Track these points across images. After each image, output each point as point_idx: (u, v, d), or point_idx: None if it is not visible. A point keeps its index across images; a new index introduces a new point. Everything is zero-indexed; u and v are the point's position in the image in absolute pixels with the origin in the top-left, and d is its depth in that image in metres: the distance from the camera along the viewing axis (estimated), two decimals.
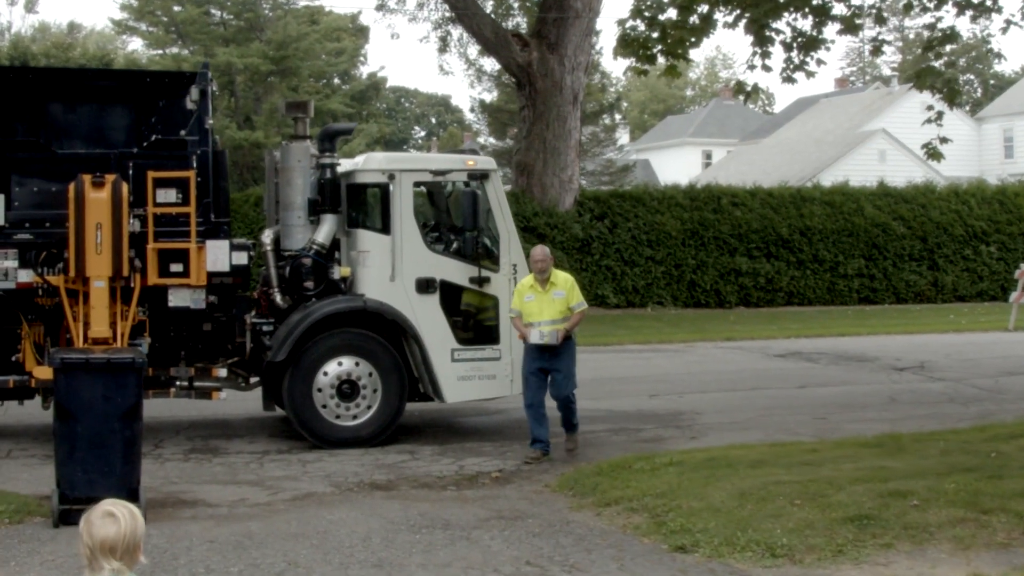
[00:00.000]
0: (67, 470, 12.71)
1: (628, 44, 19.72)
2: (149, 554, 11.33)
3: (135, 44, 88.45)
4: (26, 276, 16.40)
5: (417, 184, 17.66)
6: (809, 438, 16.91)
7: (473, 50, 55.85)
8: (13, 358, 16.54)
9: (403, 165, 17.67)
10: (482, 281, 17.30)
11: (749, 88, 19.76)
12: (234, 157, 58.50)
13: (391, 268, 17.15)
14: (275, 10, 78.06)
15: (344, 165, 18.09)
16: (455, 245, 17.65)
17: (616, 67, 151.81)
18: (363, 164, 17.91)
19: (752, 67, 19.29)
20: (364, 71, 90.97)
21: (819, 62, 20.07)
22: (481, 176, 17.53)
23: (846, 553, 10.87)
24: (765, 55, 19.32)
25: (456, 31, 50.85)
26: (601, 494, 13.64)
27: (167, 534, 12.13)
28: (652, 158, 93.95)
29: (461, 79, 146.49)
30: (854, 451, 15.17)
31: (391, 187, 17.25)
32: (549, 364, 16.14)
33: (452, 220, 18.30)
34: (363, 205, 18.02)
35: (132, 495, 12.64)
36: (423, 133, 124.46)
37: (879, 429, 17.29)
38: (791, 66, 20.24)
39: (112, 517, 5.68)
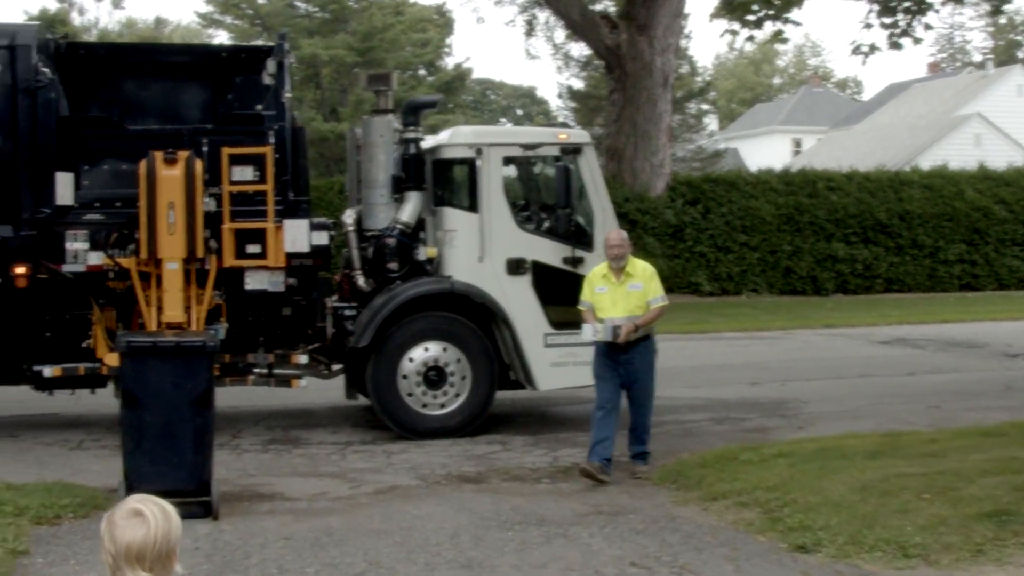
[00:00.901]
0: (134, 461, 11.91)
1: (733, 7, 18.69)
2: (220, 552, 10.64)
3: (221, 37, 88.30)
4: (96, 258, 15.70)
5: (506, 159, 16.71)
6: (925, 427, 15.77)
7: (560, 34, 55.04)
8: (84, 344, 15.83)
9: (491, 139, 16.72)
10: (576, 261, 16.24)
11: (866, 48, 18.79)
12: (320, 149, 58.10)
13: (480, 248, 16.22)
14: (360, 1, 77.56)
15: (429, 141, 17.16)
16: (547, 224, 16.65)
17: (704, 55, 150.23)
18: (449, 139, 17.01)
19: (868, 26, 18.38)
20: (449, 62, 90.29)
21: (927, 27, 19.21)
22: (574, 150, 16.55)
23: (986, 553, 9.83)
24: (885, 11, 18.34)
25: (542, 14, 50.03)
26: (707, 487, 12.72)
27: (240, 530, 11.33)
28: (741, 147, 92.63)
29: (547, 67, 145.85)
30: (977, 441, 14.08)
31: (479, 162, 16.33)
32: (624, 370, 13.76)
33: (543, 198, 17.34)
34: (449, 182, 17.14)
35: (204, 488, 11.89)
36: (509, 125, 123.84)
37: (998, 418, 16.16)
38: (898, 30, 19.32)
39: (140, 517, 4.58)
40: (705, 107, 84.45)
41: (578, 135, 17.23)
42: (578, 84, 71.94)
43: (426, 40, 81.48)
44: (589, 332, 13.78)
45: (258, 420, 17.57)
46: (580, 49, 55.63)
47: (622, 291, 13.71)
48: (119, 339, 12.55)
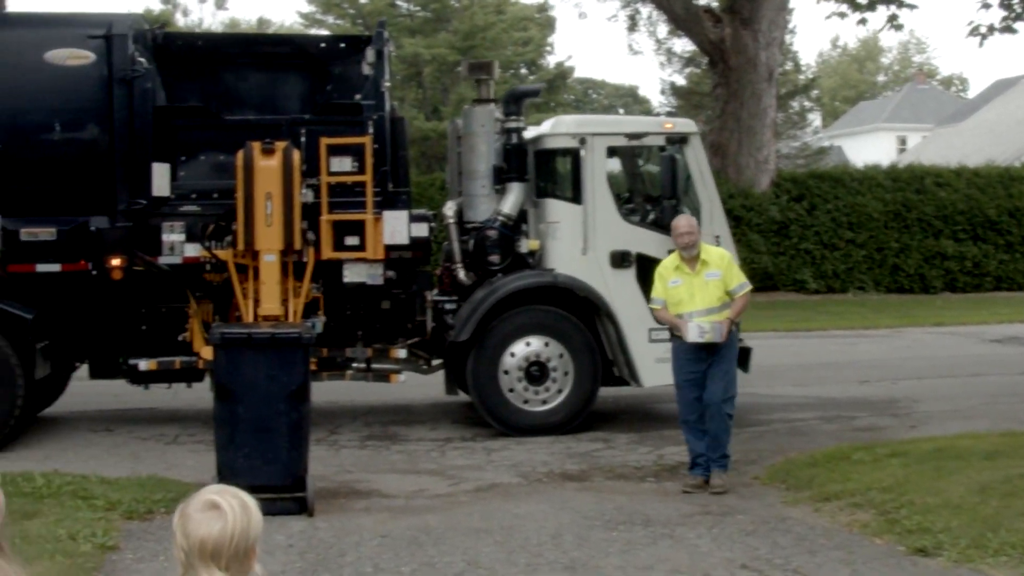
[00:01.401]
0: (228, 456, 11.62)
1: None
2: (314, 549, 10.29)
3: None
4: (193, 250, 15.51)
5: (611, 149, 16.22)
6: None
7: (662, 29, 54.39)
8: (180, 337, 15.60)
9: (595, 128, 16.26)
10: None
11: (984, 30, 18.19)
12: (422, 148, 57.97)
13: (583, 240, 15.79)
14: (462, 0, 77.45)
15: (531, 131, 16.74)
16: (652, 215, 16.17)
17: (808, 52, 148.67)
18: (552, 128, 16.59)
19: (987, 5, 17.76)
20: (551, 61, 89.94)
21: None
22: (680, 140, 16.06)
23: None
24: None
25: (645, 9, 49.47)
26: (819, 487, 12.22)
27: (336, 528, 11.00)
28: (845, 144, 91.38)
29: (649, 64, 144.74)
30: None
31: (582, 152, 15.90)
32: (706, 366, 12.72)
33: (648, 189, 16.89)
34: (552, 173, 16.73)
35: (299, 484, 11.59)
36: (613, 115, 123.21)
37: None
38: (1013, 15, 18.73)
39: (216, 511, 4.13)
40: (808, 104, 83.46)
41: (684, 124, 16.75)
42: (681, 81, 71.25)
43: (528, 39, 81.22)
44: (695, 332, 12.50)
45: (356, 416, 17.25)
46: (683, 45, 54.97)
47: (699, 281, 12.67)
48: (213, 331, 12.28)
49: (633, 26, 51.63)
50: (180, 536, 4.12)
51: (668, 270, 12.93)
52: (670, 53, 63.21)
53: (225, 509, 4.10)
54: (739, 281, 12.84)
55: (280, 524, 11.04)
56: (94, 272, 15.28)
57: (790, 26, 62.73)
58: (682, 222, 12.97)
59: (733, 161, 37.77)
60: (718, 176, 36.12)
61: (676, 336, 12.92)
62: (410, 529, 10.90)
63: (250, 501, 4.21)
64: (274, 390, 11.61)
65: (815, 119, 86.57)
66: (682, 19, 39.83)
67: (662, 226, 15.67)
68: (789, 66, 68.55)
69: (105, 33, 15.32)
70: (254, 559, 4.21)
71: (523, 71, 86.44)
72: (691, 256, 12.68)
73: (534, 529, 10.81)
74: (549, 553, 10.07)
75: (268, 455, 11.59)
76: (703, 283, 12.62)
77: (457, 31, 73.24)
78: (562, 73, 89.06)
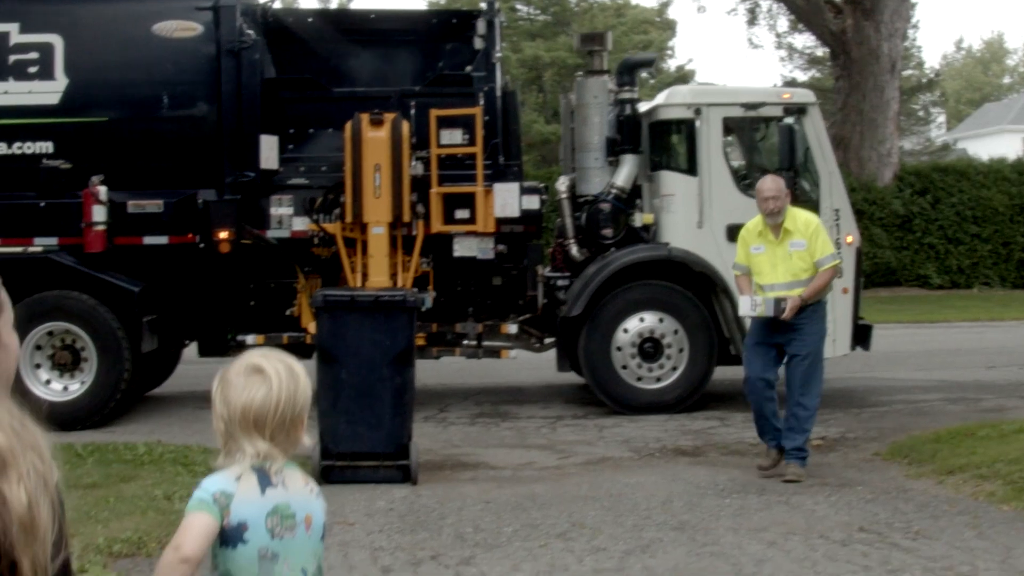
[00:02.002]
0: (330, 421, 11.33)
1: None
2: (414, 513, 9.96)
3: None
4: (301, 224, 15.34)
5: (727, 120, 15.76)
6: None
7: (783, 22, 53.70)
8: (287, 313, 15.41)
9: (711, 99, 15.79)
10: None
11: None
12: (541, 151, 57.72)
13: (699, 213, 15.35)
14: (581, 3, 77.19)
15: (645, 104, 16.36)
16: None
17: (931, 55, 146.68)
18: (666, 99, 16.19)
19: None
20: (671, 64, 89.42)
21: None
22: (798, 110, 15.55)
23: None
24: None
25: (765, 2, 48.87)
26: (941, 461, 11.70)
27: (439, 495, 10.71)
28: (969, 146, 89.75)
29: (769, 63, 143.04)
30: None
31: (698, 123, 15.45)
32: (785, 340, 11.58)
33: (765, 160, 16.41)
34: (667, 144, 16.32)
35: (402, 451, 11.29)
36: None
37: None
38: None
39: (260, 375, 3.78)
40: (930, 98, 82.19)
41: (802, 94, 16.26)
42: (802, 77, 70.38)
43: (648, 42, 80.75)
44: (747, 305, 11.61)
45: (467, 396, 16.94)
46: (804, 41, 54.21)
47: (782, 251, 11.51)
48: (316, 294, 12.00)
49: (753, 19, 51.15)
50: (220, 404, 3.80)
51: (751, 234, 11.83)
52: (791, 49, 62.47)
53: (270, 373, 3.76)
54: (825, 253, 11.52)
55: (383, 491, 10.81)
56: (201, 245, 15.14)
57: (913, 21, 61.72)
58: (767, 184, 11.74)
59: (855, 154, 37.01)
60: (840, 169, 35.68)
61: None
62: (515, 496, 10.58)
63: (297, 366, 3.86)
64: (377, 355, 11.32)
65: (939, 115, 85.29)
66: (803, 10, 39.20)
67: None
68: (913, 66, 67.53)
69: (213, 5, 15.18)
70: (302, 430, 3.88)
71: (643, 75, 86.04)
72: (775, 223, 11.52)
73: (643, 496, 10.45)
74: (658, 516, 9.72)
75: (371, 421, 11.30)
76: (786, 253, 11.50)
77: (577, 34, 72.95)
78: (683, 76, 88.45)
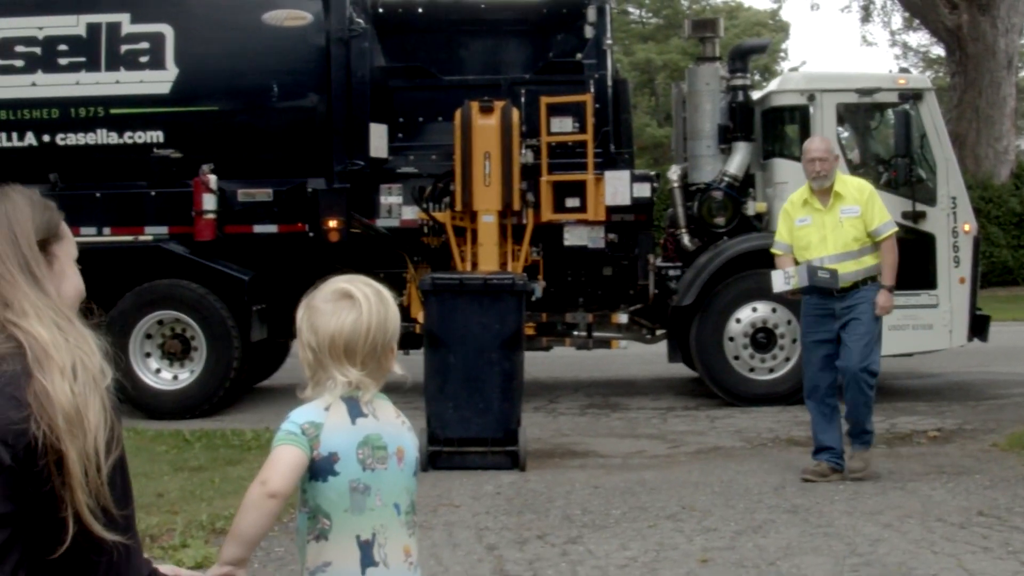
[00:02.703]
0: (437, 406, 11.20)
1: None
2: (522, 496, 9.80)
3: None
4: (411, 213, 15.25)
5: (841, 106, 15.44)
6: None
7: (896, 19, 53.04)
8: (397, 302, 15.26)
9: (825, 85, 15.42)
10: (916, 216, 14.87)
11: None
12: (654, 155, 57.48)
13: None
14: (693, 5, 76.84)
15: (757, 92, 16.14)
16: (884, 176, 15.35)
17: None
18: (779, 85, 16.00)
19: None
20: (785, 67, 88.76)
21: None
22: (914, 96, 15.17)
23: None
24: None
25: None
26: None
27: (547, 480, 10.56)
28: None
29: (884, 60, 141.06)
30: None
31: (811, 109, 15.16)
32: (839, 326, 10.46)
33: (876, 148, 16.11)
34: (780, 132, 16.05)
35: (511, 437, 11.13)
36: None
37: None
38: None
39: (349, 300, 3.63)
40: None
41: (918, 80, 15.97)
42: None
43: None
44: (779, 280, 10.63)
45: (577, 388, 16.78)
46: (918, 38, 53.45)
47: (832, 219, 10.47)
48: (424, 278, 11.87)
49: (867, 16, 50.47)
50: (307, 332, 3.64)
51: (795, 206, 10.82)
52: (906, 47, 61.63)
53: (359, 298, 3.61)
54: (883, 219, 10.49)
55: (490, 476, 10.68)
56: (311, 234, 15.12)
57: None
58: (814, 143, 10.83)
59: (971, 152, 36.32)
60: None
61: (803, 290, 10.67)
62: (624, 482, 10.41)
63: (386, 292, 3.72)
64: (486, 339, 11.17)
65: None
66: (917, 6, 38.61)
67: (895, 186, 14.93)
68: None
69: None
70: (393, 358, 3.71)
71: (756, 77, 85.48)
72: (823, 188, 10.52)
73: (755, 482, 10.24)
74: (770, 500, 9.51)
75: (479, 406, 11.15)
76: (836, 222, 10.46)
77: (689, 37, 72.58)
78: None
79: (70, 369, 2.66)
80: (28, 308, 2.75)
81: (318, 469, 3.58)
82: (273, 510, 3.54)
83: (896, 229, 10.66)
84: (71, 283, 3.03)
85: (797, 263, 10.61)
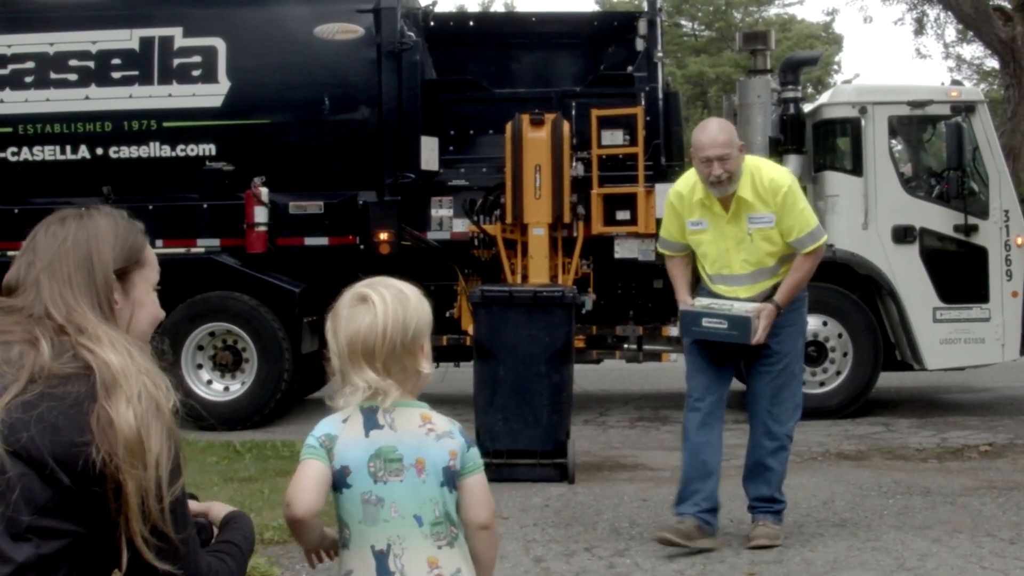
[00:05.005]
0: (487, 419, 11.22)
1: None
2: (570, 509, 9.80)
3: None
4: (461, 225, 15.35)
5: (893, 119, 15.37)
6: None
7: (950, 31, 52.69)
8: (447, 314, 15.36)
9: (877, 97, 15.36)
10: (969, 229, 14.80)
11: None
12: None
13: (864, 214, 14.95)
14: (746, 18, 76.69)
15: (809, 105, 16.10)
16: (936, 189, 15.28)
17: None
18: (831, 98, 15.93)
19: None
20: (838, 80, 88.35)
21: None
22: (967, 108, 15.09)
23: None
24: None
25: (932, 11, 47.97)
26: None
27: (595, 492, 10.56)
28: None
29: (937, 72, 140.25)
30: None
31: (863, 122, 15.08)
32: (745, 349, 8.33)
33: (928, 160, 16.05)
34: (831, 144, 15.98)
35: (560, 450, 11.13)
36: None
37: None
38: None
39: (365, 303, 3.66)
40: None
41: (971, 92, 15.86)
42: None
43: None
44: (687, 320, 8.34)
45: (627, 401, 16.77)
46: (972, 51, 53.09)
47: (736, 231, 8.21)
48: (474, 290, 11.90)
49: (920, 29, 50.13)
50: (331, 338, 3.68)
51: (687, 203, 8.40)
52: (959, 59, 61.28)
53: (374, 299, 3.63)
54: (804, 230, 8.17)
55: (539, 488, 10.68)
56: (362, 247, 15.21)
57: None
58: (709, 133, 8.10)
59: None
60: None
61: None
62: (672, 495, 10.26)
63: (409, 290, 3.72)
64: (535, 351, 11.16)
65: None
66: (971, 18, 38.31)
67: (947, 199, 14.86)
68: None
69: (374, 7, 15.23)
70: (421, 358, 3.70)
71: (809, 90, 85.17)
72: (723, 195, 8.14)
73: (804, 496, 10.19)
74: (818, 514, 9.48)
75: (528, 418, 11.15)
76: (743, 234, 8.21)
77: (742, 50, 72.39)
78: None
79: (136, 398, 2.69)
80: (102, 335, 2.78)
81: (336, 481, 3.61)
82: (301, 529, 3.64)
83: (825, 237, 8.49)
84: (147, 312, 3.06)
85: (700, 276, 8.73)
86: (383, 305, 3.60)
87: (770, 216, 8.08)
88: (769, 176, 8.16)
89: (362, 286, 3.70)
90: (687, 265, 8.75)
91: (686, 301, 8.41)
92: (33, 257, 2.91)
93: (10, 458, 2.58)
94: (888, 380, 16.00)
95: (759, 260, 8.26)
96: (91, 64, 15.34)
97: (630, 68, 15.55)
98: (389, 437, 3.62)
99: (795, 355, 8.51)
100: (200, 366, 14.97)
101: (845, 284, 15.00)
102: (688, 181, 8.43)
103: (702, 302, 8.35)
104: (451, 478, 3.65)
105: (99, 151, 15.30)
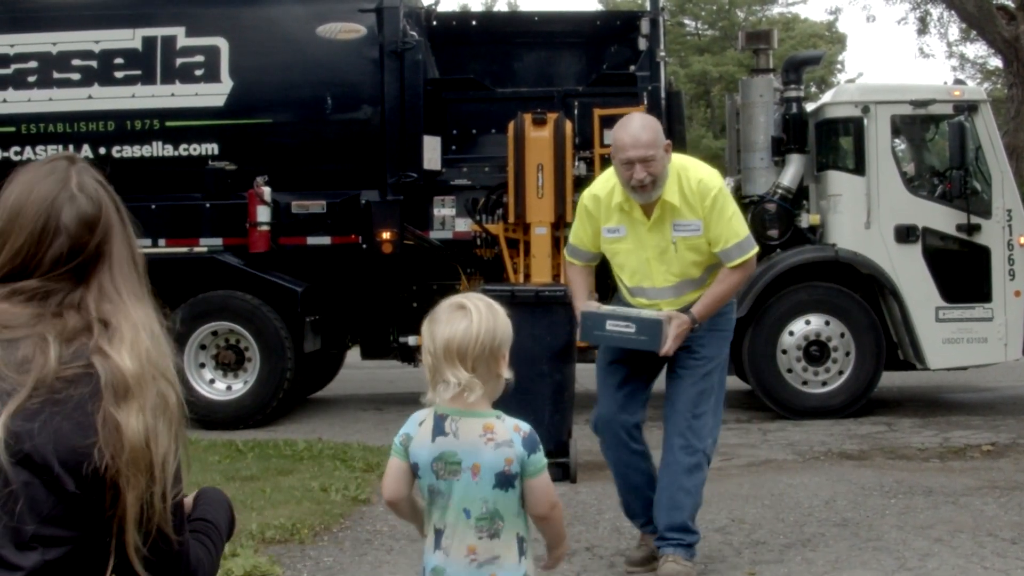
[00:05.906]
0: None
1: None
2: (572, 508, 9.80)
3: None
4: (464, 225, 15.37)
5: (895, 118, 15.39)
6: None
7: (953, 31, 52.67)
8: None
9: (879, 96, 15.37)
10: (971, 229, 14.81)
11: None
12: (712, 166, 57.27)
13: (866, 214, 14.97)
14: (749, 17, 76.66)
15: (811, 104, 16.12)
16: (939, 188, 15.29)
17: None
18: (833, 97, 15.96)
19: None
20: (841, 79, 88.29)
21: None
22: (970, 108, 15.09)
23: None
24: None
25: (936, 10, 47.95)
26: None
27: (597, 492, 10.55)
28: None
29: (940, 72, 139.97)
30: None
31: (865, 121, 15.09)
32: (662, 359, 7.74)
33: (931, 160, 16.05)
34: (834, 144, 15.98)
35: (562, 449, 11.13)
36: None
37: None
38: None
39: (462, 311, 4.19)
40: None
41: (974, 92, 15.87)
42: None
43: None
44: (590, 325, 7.52)
45: None
46: (975, 50, 53.07)
47: (659, 240, 7.43)
48: (475, 290, 11.90)
49: (923, 28, 50.06)
50: (427, 339, 4.19)
51: (604, 208, 7.59)
52: (963, 58, 61.25)
53: (470, 308, 4.20)
54: (732, 238, 7.38)
55: None
56: (364, 246, 15.21)
57: None
58: (631, 131, 7.33)
59: None
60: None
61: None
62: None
63: (497, 306, 4.26)
64: (537, 350, 11.15)
65: None
66: (974, 17, 38.23)
67: (950, 199, 14.87)
68: None
69: (376, 6, 15.24)
70: (503, 364, 4.24)
71: (812, 89, 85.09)
72: (647, 200, 7.34)
73: (806, 496, 10.19)
74: (820, 513, 9.46)
75: (530, 418, 10.99)
76: (666, 243, 7.43)
77: (745, 49, 72.29)
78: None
79: (149, 408, 2.67)
80: (126, 333, 2.74)
81: (413, 472, 4.29)
82: (395, 509, 4.47)
83: (756, 249, 7.61)
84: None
85: (618, 287, 8.02)
86: (478, 314, 4.17)
87: (697, 223, 7.31)
88: (698, 177, 7.34)
89: (459, 297, 4.28)
90: (591, 274, 8.08)
91: (589, 305, 7.61)
92: None
93: (14, 467, 2.56)
94: (890, 379, 16.02)
95: (683, 271, 7.48)
96: (94, 64, 15.36)
97: (633, 67, 15.55)
98: (451, 443, 4.19)
99: (720, 362, 7.73)
100: (203, 365, 14.98)
101: (847, 283, 15.03)
102: (607, 183, 7.60)
103: (600, 308, 7.58)
104: (506, 481, 4.20)
105: (102, 150, 15.30)
